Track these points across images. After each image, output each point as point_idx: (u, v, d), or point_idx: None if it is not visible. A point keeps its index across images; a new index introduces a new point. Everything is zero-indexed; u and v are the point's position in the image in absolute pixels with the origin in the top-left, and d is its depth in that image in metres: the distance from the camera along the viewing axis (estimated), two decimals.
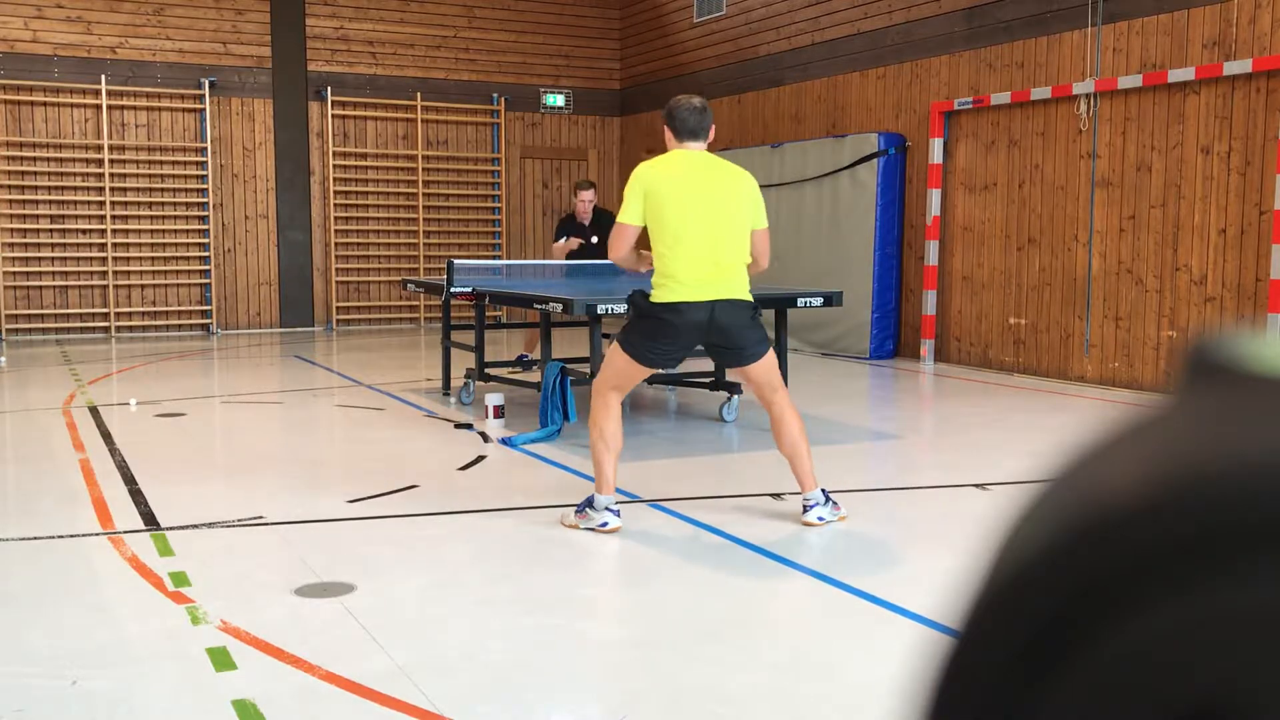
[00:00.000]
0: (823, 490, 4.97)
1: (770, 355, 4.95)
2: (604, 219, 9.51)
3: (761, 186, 13.35)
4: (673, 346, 4.84)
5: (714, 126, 4.98)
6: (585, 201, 9.45)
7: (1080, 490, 0.35)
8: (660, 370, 5.22)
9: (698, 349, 5.11)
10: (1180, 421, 0.36)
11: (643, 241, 4.90)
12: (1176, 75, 8.55)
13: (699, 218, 4.72)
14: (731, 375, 5.19)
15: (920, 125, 10.98)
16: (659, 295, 4.75)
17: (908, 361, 11.04)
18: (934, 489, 5.86)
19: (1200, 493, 0.33)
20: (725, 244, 4.76)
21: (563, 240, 9.50)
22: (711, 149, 4.98)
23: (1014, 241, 10.13)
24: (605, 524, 4.83)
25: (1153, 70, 8.77)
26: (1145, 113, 8.89)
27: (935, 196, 10.76)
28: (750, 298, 4.86)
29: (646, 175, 4.80)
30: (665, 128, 4.91)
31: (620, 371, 4.86)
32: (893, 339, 11.32)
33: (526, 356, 9.01)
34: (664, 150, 4.94)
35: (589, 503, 4.90)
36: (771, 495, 5.49)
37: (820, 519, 4.92)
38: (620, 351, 4.84)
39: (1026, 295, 10.03)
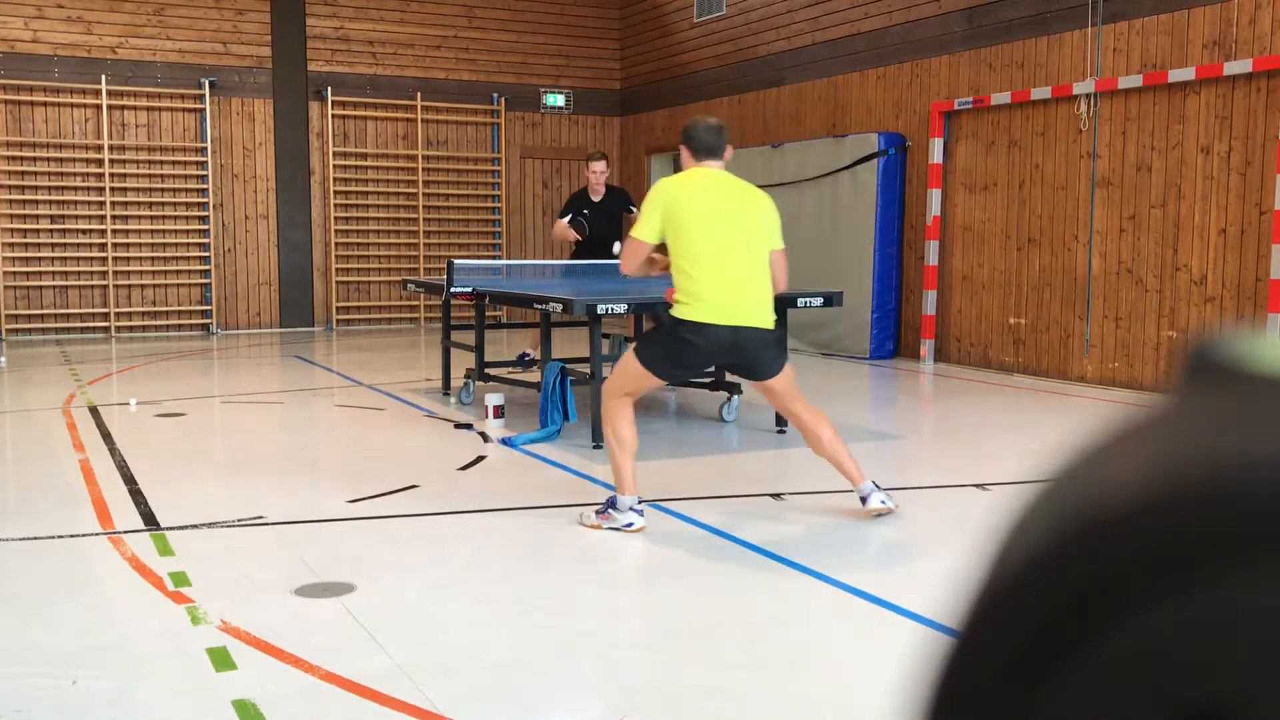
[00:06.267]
0: (872, 481, 5.03)
1: (788, 368, 4.98)
2: (616, 196, 9.34)
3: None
4: (692, 364, 4.89)
5: (730, 147, 5.00)
6: (596, 173, 9.17)
7: (1080, 490, 0.35)
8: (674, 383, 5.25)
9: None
10: (1180, 422, 0.36)
11: (659, 247, 4.91)
12: (1176, 75, 8.55)
13: (721, 238, 4.73)
14: (751, 387, 5.16)
15: (920, 125, 10.97)
16: (682, 312, 4.74)
17: (908, 361, 11.04)
18: (934, 489, 5.86)
19: (1200, 493, 0.33)
20: (748, 265, 4.77)
21: (567, 219, 9.22)
22: None
23: (1014, 241, 10.13)
24: (630, 524, 4.84)
25: (1153, 70, 8.77)
26: (1145, 113, 8.89)
27: (935, 196, 10.76)
28: (773, 323, 4.87)
29: (668, 192, 4.78)
30: (682, 147, 4.94)
31: (633, 380, 4.87)
32: (893, 339, 11.32)
33: (528, 355, 8.98)
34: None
35: (611, 504, 4.90)
36: (771, 495, 5.49)
37: (883, 502, 4.97)
38: (636, 362, 4.84)
39: (1026, 295, 10.03)
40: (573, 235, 9.20)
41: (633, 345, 4.98)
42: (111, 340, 13.31)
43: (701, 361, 4.88)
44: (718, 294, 4.70)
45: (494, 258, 15.09)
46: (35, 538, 4.77)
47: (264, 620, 3.73)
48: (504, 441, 6.87)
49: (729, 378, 7.73)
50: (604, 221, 9.21)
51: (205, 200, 13.97)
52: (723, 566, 4.46)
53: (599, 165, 9.20)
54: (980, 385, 9.51)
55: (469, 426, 7.40)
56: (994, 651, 0.35)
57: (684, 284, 4.75)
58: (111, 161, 13.48)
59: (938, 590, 3.95)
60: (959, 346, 10.73)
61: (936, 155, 10.70)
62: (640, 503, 4.92)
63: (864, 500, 5.00)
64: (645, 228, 4.77)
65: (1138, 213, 8.99)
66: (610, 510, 4.88)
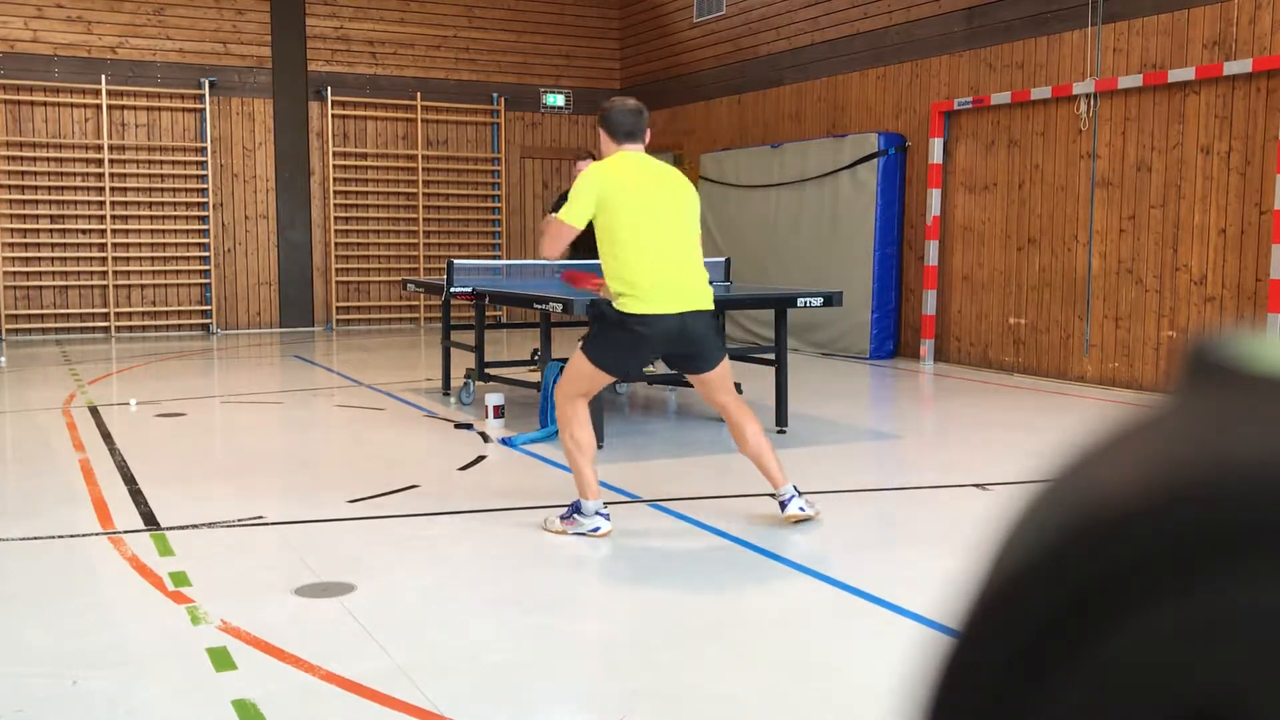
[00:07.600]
0: (793, 485, 4.95)
1: (726, 359, 4.96)
2: None
3: (761, 186, 13.39)
4: (641, 357, 4.82)
5: (649, 130, 4.94)
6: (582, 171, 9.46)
7: (1080, 491, 0.35)
8: (622, 378, 5.19)
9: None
10: (1180, 422, 0.36)
11: (589, 251, 4.85)
12: (1176, 75, 8.55)
13: (657, 224, 4.67)
14: (686, 377, 5.09)
15: (920, 125, 10.97)
16: (627, 305, 4.66)
17: (908, 361, 11.04)
18: (934, 489, 5.86)
19: (1200, 493, 0.33)
20: (685, 250, 4.74)
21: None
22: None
23: (1014, 241, 10.13)
24: (597, 529, 4.77)
25: (1153, 70, 8.77)
26: (1145, 113, 8.89)
27: (935, 196, 10.76)
28: (712, 305, 4.86)
29: (601, 180, 4.67)
30: (601, 131, 4.86)
31: (586, 379, 4.78)
32: (893, 339, 11.32)
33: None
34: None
35: (576, 509, 4.83)
36: (771, 495, 5.48)
37: (801, 509, 4.88)
38: (585, 360, 4.76)
39: (1026, 295, 10.03)
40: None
41: (579, 344, 4.90)
42: (111, 340, 13.31)
43: (650, 353, 4.81)
44: (659, 282, 4.64)
45: (494, 258, 15.09)
46: (35, 538, 4.77)
47: (264, 620, 3.73)
48: (504, 441, 6.87)
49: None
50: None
51: (205, 200, 13.97)
52: (723, 566, 4.45)
53: (585, 165, 9.40)
54: (980, 385, 9.51)
55: (469, 426, 7.40)
56: (994, 652, 0.35)
57: (622, 274, 4.66)
58: (111, 161, 13.48)
59: (938, 590, 3.95)
60: (959, 346, 10.73)
61: (936, 155, 10.70)
62: (605, 506, 4.86)
63: (783, 505, 4.89)
64: (577, 213, 4.65)
65: (1138, 213, 8.99)
66: (575, 515, 4.82)
